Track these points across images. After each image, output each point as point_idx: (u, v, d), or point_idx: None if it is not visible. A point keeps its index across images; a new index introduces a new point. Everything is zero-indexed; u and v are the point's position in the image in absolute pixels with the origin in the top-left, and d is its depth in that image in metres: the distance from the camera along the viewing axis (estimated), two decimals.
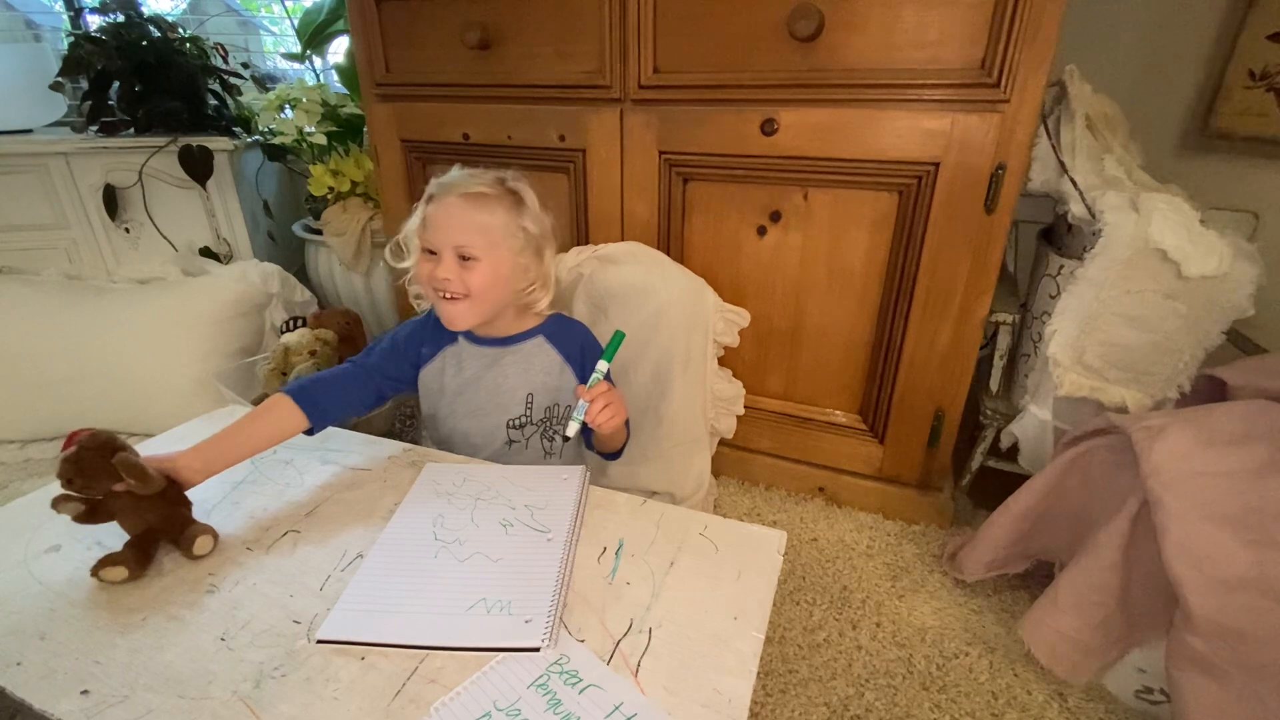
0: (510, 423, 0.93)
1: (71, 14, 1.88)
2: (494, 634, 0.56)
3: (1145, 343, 1.04)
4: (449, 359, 0.93)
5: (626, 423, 0.96)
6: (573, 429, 0.77)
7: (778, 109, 1.08)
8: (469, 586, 0.62)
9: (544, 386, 0.93)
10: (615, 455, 0.99)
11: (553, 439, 0.96)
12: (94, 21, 1.84)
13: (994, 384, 1.24)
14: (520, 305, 0.91)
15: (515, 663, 0.54)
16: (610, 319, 1.20)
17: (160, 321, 1.53)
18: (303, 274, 1.93)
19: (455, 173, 0.85)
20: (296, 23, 1.98)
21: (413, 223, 0.86)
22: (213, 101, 1.80)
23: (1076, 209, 1.08)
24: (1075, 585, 0.89)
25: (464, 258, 0.81)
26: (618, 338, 0.81)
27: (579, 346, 0.95)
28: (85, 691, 0.51)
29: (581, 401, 0.77)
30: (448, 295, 0.82)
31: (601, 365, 0.79)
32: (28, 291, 1.55)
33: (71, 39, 1.68)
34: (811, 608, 1.09)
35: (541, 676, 0.52)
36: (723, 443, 1.37)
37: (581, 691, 0.51)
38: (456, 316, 0.84)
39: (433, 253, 0.82)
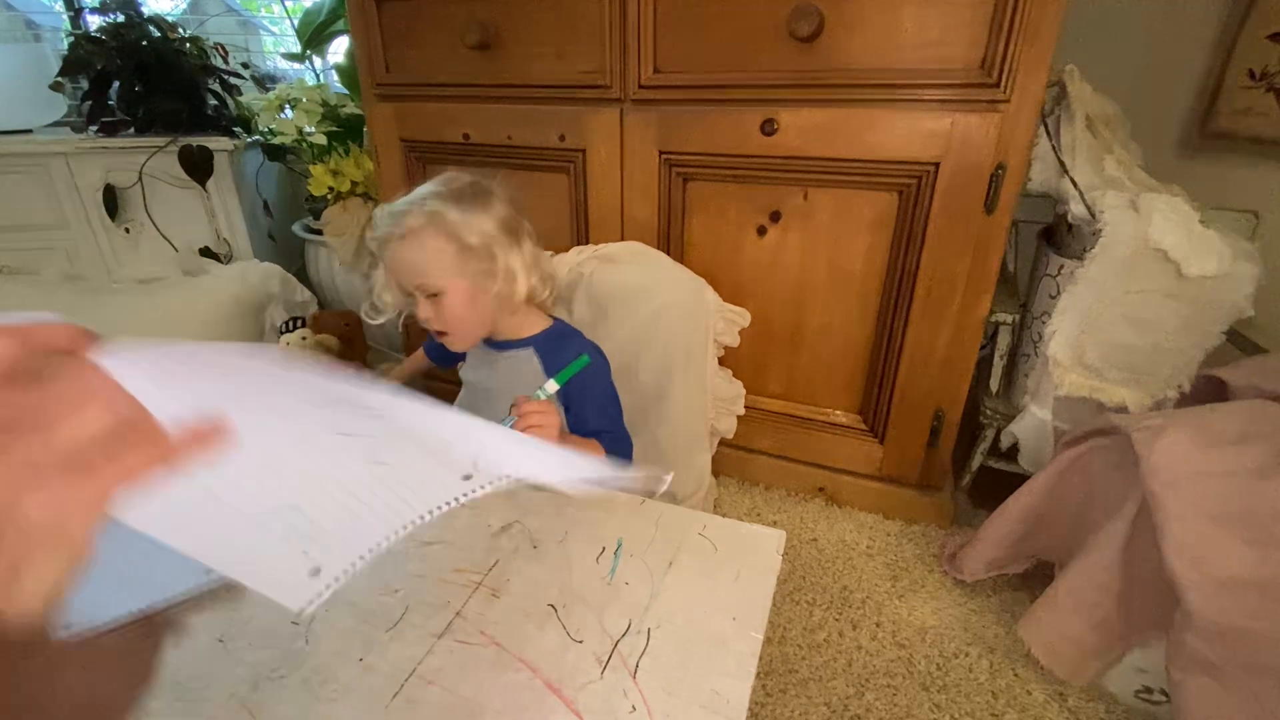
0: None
1: (71, 14, 1.88)
2: (256, 570, 0.30)
3: (1145, 343, 1.04)
4: (468, 356, 0.98)
5: (622, 455, 0.91)
6: None
7: (778, 109, 1.08)
8: (294, 480, 0.33)
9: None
10: None
11: None
12: (94, 21, 1.84)
13: (994, 384, 1.24)
14: (511, 308, 0.89)
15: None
16: (610, 319, 1.20)
17: (160, 321, 1.53)
18: (303, 274, 1.93)
19: (380, 217, 0.83)
20: (296, 23, 1.98)
21: (378, 279, 0.87)
22: (213, 101, 1.80)
23: (1076, 209, 1.08)
24: (1075, 585, 0.89)
25: (430, 294, 0.81)
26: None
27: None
28: None
29: (513, 415, 0.73)
30: (436, 331, 0.85)
31: (549, 385, 0.76)
32: (28, 291, 1.56)
33: (71, 39, 1.68)
34: (811, 608, 1.09)
35: None
36: (723, 443, 1.37)
37: None
38: (453, 345, 0.88)
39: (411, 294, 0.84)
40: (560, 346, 0.92)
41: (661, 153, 1.20)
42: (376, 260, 0.86)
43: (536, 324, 0.92)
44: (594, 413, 0.90)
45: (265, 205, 1.93)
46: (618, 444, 0.91)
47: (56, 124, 1.81)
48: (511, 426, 0.73)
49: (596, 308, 1.21)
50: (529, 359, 0.91)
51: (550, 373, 0.83)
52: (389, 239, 0.81)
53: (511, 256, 0.85)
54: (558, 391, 0.77)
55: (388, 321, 0.91)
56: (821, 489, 1.37)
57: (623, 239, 1.29)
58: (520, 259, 0.86)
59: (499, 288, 0.84)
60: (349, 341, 1.48)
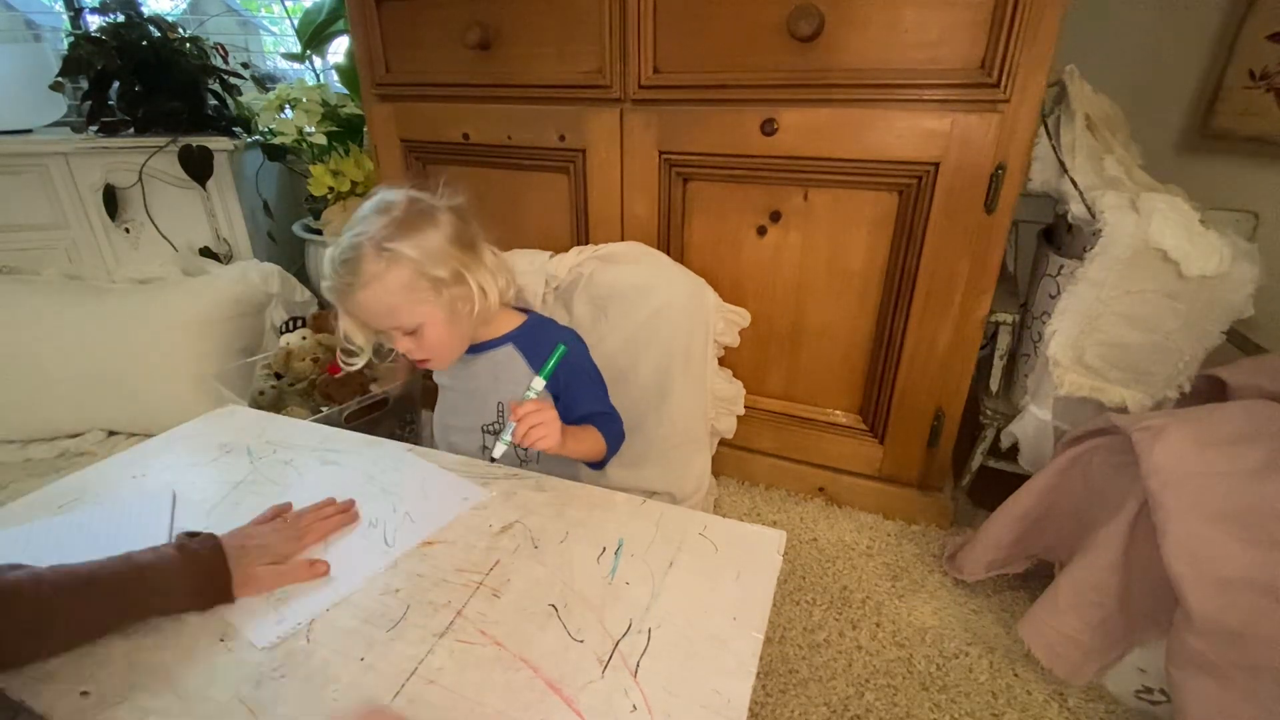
0: (485, 428, 0.93)
1: (71, 14, 1.88)
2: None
3: (1145, 343, 1.04)
4: None
5: (616, 432, 0.92)
6: (499, 450, 0.74)
7: (778, 109, 1.08)
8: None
9: (513, 396, 0.88)
10: (597, 465, 0.94)
11: (526, 449, 0.92)
12: (94, 21, 1.84)
13: (994, 384, 1.24)
14: (486, 318, 0.88)
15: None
16: (610, 319, 1.20)
17: (160, 321, 1.53)
18: (303, 274, 1.93)
19: (330, 267, 0.79)
20: (296, 23, 1.99)
21: (343, 325, 0.84)
22: (213, 101, 1.80)
23: (1076, 209, 1.08)
24: (1075, 585, 0.89)
25: (408, 331, 0.80)
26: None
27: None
28: (85, 692, 0.51)
29: (511, 421, 0.74)
30: (419, 359, 0.84)
31: (536, 382, 0.76)
32: (28, 291, 1.56)
33: (71, 39, 1.68)
34: (811, 608, 1.09)
35: None
36: (723, 443, 1.37)
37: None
38: (436, 367, 0.88)
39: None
40: (540, 338, 0.91)
41: (661, 153, 1.20)
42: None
43: (510, 321, 0.92)
44: (585, 397, 0.90)
45: (265, 205, 1.93)
46: (611, 423, 0.91)
47: (56, 124, 1.80)
48: (512, 433, 0.74)
49: (596, 308, 1.21)
50: (512, 356, 0.91)
51: (536, 365, 0.82)
52: (348, 289, 0.77)
53: (479, 273, 0.83)
54: (546, 385, 0.77)
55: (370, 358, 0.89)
56: (821, 489, 1.37)
57: (623, 239, 1.30)
58: (485, 270, 0.84)
59: (475, 306, 0.83)
60: None
